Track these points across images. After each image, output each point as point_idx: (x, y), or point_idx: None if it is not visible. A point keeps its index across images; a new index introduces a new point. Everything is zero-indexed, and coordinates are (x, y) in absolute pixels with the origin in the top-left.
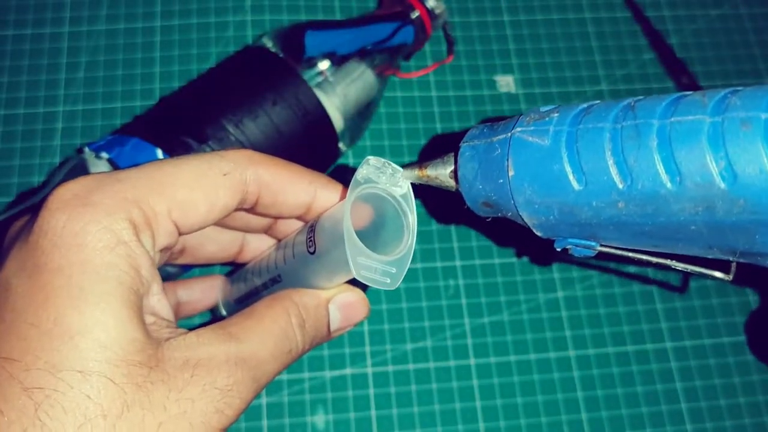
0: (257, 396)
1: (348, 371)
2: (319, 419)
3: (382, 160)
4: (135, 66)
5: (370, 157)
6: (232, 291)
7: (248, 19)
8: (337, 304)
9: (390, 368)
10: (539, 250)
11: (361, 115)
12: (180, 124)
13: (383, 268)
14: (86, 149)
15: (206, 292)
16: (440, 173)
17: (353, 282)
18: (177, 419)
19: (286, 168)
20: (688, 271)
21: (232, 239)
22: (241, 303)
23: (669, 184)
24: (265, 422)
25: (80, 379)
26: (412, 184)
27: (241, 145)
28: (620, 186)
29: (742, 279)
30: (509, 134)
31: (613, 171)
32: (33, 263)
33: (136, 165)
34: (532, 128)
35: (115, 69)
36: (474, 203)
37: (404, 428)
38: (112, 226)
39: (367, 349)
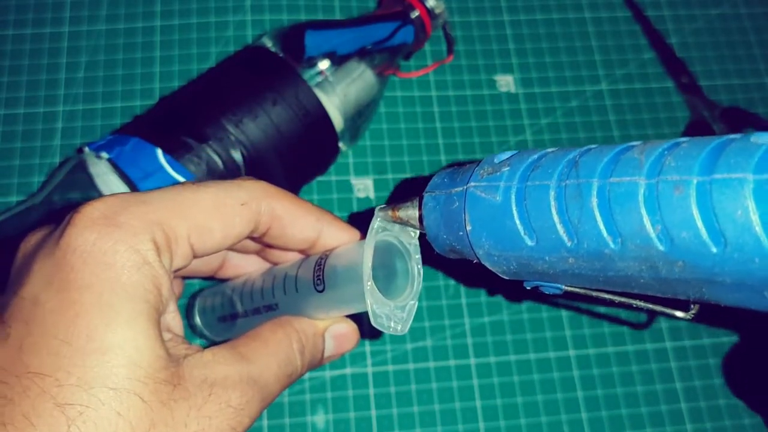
0: None
1: (348, 371)
2: (319, 419)
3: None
4: (135, 66)
5: (379, 208)
6: (213, 304)
7: (248, 19)
8: (332, 334)
9: (390, 368)
10: None
11: (361, 114)
12: (180, 124)
13: (394, 313)
14: (86, 149)
15: None
16: (410, 216)
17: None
18: None
19: (297, 203)
20: (650, 309)
21: (216, 254)
22: (225, 321)
23: (612, 245)
24: (265, 422)
25: (112, 396)
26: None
27: (242, 145)
28: (568, 244)
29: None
30: (465, 188)
31: (561, 230)
32: (61, 278)
33: (136, 163)
34: (484, 184)
35: (115, 69)
36: (441, 250)
37: (404, 428)
38: (138, 246)
39: (367, 348)
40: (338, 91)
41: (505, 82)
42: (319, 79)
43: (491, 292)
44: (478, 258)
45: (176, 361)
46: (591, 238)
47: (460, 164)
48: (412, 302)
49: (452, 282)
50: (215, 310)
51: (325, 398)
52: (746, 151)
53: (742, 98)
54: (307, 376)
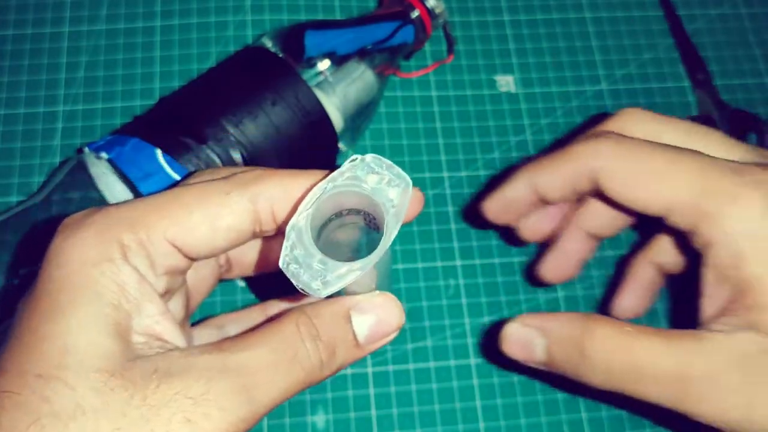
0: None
1: (348, 371)
2: (319, 419)
3: (385, 162)
4: (135, 66)
5: (368, 155)
6: None
7: (248, 19)
8: (360, 309)
9: (390, 368)
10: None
11: (361, 114)
12: (180, 125)
13: (323, 272)
14: (86, 149)
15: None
16: None
17: None
18: (135, 426)
19: (293, 177)
20: None
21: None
22: None
23: None
24: (265, 422)
25: (40, 383)
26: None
27: (241, 146)
28: None
29: None
30: None
31: None
32: (33, 286)
33: (135, 164)
34: None
35: (115, 69)
36: None
37: (404, 428)
38: (99, 245)
39: None
40: (338, 91)
41: (505, 82)
42: (319, 79)
43: (492, 293)
44: None
45: (134, 356)
46: None
47: None
48: (354, 271)
49: (452, 282)
50: None
51: (325, 398)
52: None
53: (743, 98)
54: None
